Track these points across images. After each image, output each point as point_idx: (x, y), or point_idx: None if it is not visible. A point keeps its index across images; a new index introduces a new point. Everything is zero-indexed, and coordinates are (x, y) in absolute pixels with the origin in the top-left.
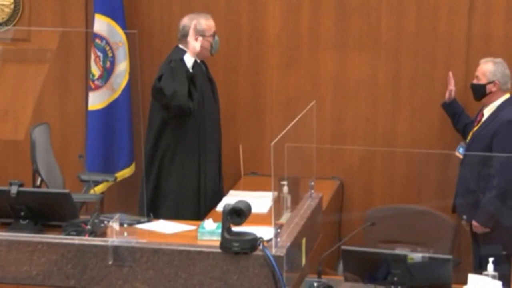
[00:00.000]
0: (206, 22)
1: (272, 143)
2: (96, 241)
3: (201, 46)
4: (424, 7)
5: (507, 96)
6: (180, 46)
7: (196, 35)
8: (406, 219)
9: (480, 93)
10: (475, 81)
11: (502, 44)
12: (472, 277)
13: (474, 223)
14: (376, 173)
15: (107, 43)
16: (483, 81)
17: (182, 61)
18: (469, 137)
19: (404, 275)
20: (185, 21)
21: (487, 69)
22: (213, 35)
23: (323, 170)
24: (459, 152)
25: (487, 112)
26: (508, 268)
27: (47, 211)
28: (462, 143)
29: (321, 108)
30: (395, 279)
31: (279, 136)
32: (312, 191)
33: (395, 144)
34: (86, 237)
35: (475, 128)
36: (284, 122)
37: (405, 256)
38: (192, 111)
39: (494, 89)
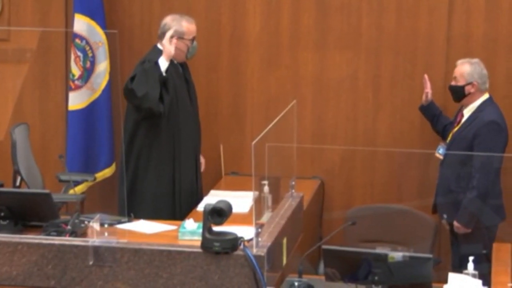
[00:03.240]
0: (187, 25)
1: (253, 143)
2: (77, 241)
3: (178, 48)
4: (404, 7)
5: (486, 96)
6: (158, 45)
7: (173, 37)
8: (386, 219)
9: (459, 94)
10: (453, 83)
11: (481, 43)
12: (452, 276)
13: (455, 224)
14: (356, 173)
15: (87, 43)
16: (461, 82)
17: (156, 63)
18: (449, 138)
19: (385, 274)
20: (167, 19)
21: (465, 70)
22: (192, 40)
23: (304, 170)
24: (439, 153)
25: (467, 112)
26: (488, 267)
27: (28, 212)
28: (442, 144)
29: (301, 108)
30: (376, 278)
31: (259, 136)
32: (293, 190)
33: (375, 143)
34: (67, 238)
35: (455, 129)
36: (265, 121)
37: (385, 255)
38: (162, 114)
39: (472, 90)
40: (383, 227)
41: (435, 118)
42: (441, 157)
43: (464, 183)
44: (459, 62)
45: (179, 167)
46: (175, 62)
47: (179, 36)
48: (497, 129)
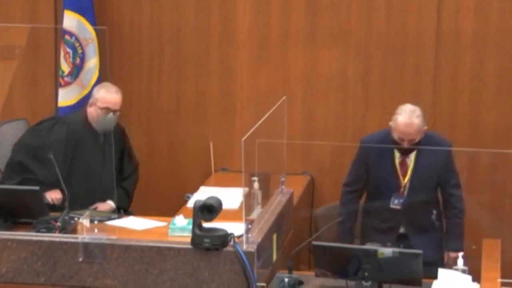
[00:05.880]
0: (104, 94)
1: (243, 139)
2: (67, 238)
3: (92, 113)
4: (394, 4)
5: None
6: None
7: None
8: None
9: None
10: (411, 143)
11: (470, 40)
12: (442, 272)
13: (454, 255)
14: (346, 169)
15: (77, 39)
16: (419, 136)
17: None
18: (402, 189)
19: (375, 270)
20: (94, 89)
21: (418, 124)
22: (105, 111)
23: (294, 166)
24: (395, 203)
25: (413, 156)
26: (477, 263)
27: (17, 208)
28: (395, 195)
29: (291, 104)
30: (366, 274)
31: (249, 132)
32: (283, 186)
33: None
34: (57, 234)
35: (406, 178)
36: (255, 118)
37: (375, 251)
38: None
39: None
40: None
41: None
42: (399, 207)
43: (433, 216)
44: (407, 122)
45: None
46: (97, 130)
47: (94, 101)
48: (450, 146)
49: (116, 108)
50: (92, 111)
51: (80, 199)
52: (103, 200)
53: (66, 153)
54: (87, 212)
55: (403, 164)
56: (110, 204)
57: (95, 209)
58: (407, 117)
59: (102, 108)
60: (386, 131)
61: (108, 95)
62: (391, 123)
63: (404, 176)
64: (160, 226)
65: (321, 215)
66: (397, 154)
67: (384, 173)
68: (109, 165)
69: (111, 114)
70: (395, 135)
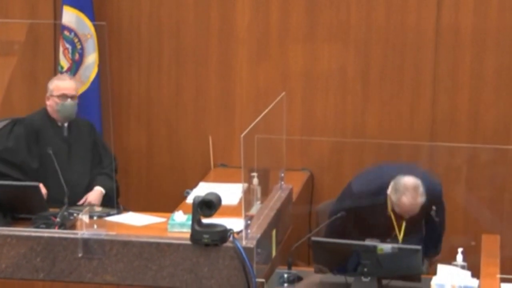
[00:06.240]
0: (56, 82)
1: (242, 135)
2: (66, 233)
3: (51, 106)
4: (393, 1)
5: None
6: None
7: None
8: None
9: None
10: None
11: (470, 36)
12: (441, 267)
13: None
14: (345, 165)
15: (76, 35)
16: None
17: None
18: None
19: (374, 265)
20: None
21: (422, 201)
22: (62, 98)
23: (293, 162)
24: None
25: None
26: (477, 258)
27: (16, 204)
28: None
29: (291, 100)
30: (365, 270)
31: (249, 128)
32: (282, 182)
33: (364, 135)
34: (56, 230)
35: (401, 235)
36: (254, 114)
37: (374, 247)
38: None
39: None
40: None
41: None
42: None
43: (433, 212)
44: (410, 202)
45: None
46: (59, 123)
47: (50, 94)
48: (441, 191)
49: (73, 93)
50: (50, 103)
51: (54, 195)
52: (79, 196)
53: (30, 148)
54: (86, 208)
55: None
56: (99, 189)
57: (85, 201)
58: (412, 197)
59: (58, 96)
60: (379, 183)
61: (61, 82)
62: (391, 196)
63: (399, 228)
64: (159, 222)
65: (322, 211)
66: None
67: (376, 222)
68: (79, 160)
69: (68, 99)
70: (396, 209)
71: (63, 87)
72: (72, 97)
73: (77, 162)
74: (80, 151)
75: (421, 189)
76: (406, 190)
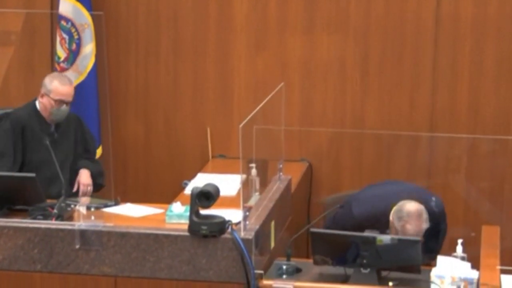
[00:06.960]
0: (57, 85)
1: (241, 125)
2: (63, 225)
3: (44, 104)
4: None
5: None
6: (37, 101)
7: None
8: None
9: None
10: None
11: (470, 26)
12: (441, 259)
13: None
14: (344, 155)
15: (73, 24)
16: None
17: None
18: None
19: (373, 257)
20: (47, 76)
21: (427, 227)
22: (59, 102)
23: (292, 152)
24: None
25: None
26: (477, 250)
27: (13, 195)
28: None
29: (289, 91)
30: (364, 261)
31: (247, 118)
32: (281, 173)
33: (363, 126)
34: (53, 221)
35: None
36: (253, 104)
37: (374, 238)
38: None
39: None
40: None
41: None
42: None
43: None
44: (415, 230)
45: None
46: (48, 121)
47: (46, 93)
48: (444, 212)
49: (69, 99)
50: (44, 102)
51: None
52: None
53: (15, 142)
54: (84, 199)
55: None
56: (85, 170)
57: (78, 185)
58: (416, 225)
59: (55, 100)
60: (382, 208)
61: (61, 87)
62: (394, 222)
63: None
64: (157, 213)
65: (329, 204)
66: None
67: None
68: (63, 156)
69: (64, 105)
70: (399, 234)
71: (63, 93)
72: (68, 103)
73: (61, 157)
74: (65, 147)
75: (424, 215)
76: (410, 218)
